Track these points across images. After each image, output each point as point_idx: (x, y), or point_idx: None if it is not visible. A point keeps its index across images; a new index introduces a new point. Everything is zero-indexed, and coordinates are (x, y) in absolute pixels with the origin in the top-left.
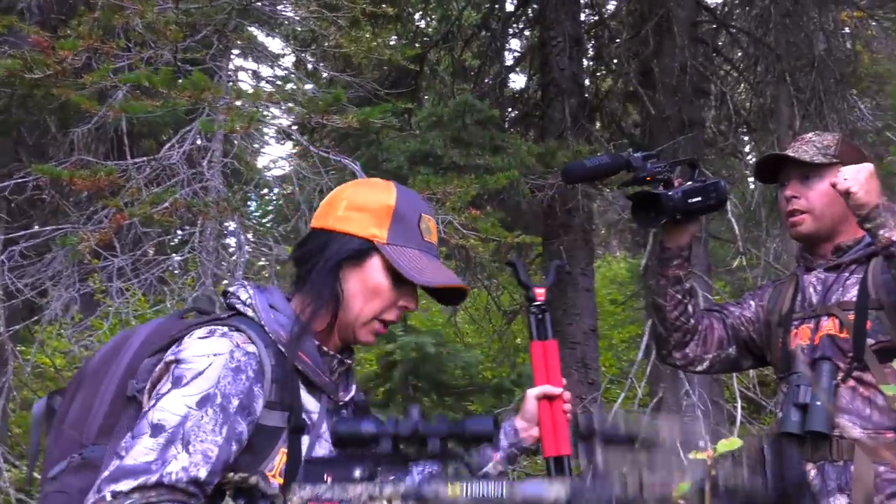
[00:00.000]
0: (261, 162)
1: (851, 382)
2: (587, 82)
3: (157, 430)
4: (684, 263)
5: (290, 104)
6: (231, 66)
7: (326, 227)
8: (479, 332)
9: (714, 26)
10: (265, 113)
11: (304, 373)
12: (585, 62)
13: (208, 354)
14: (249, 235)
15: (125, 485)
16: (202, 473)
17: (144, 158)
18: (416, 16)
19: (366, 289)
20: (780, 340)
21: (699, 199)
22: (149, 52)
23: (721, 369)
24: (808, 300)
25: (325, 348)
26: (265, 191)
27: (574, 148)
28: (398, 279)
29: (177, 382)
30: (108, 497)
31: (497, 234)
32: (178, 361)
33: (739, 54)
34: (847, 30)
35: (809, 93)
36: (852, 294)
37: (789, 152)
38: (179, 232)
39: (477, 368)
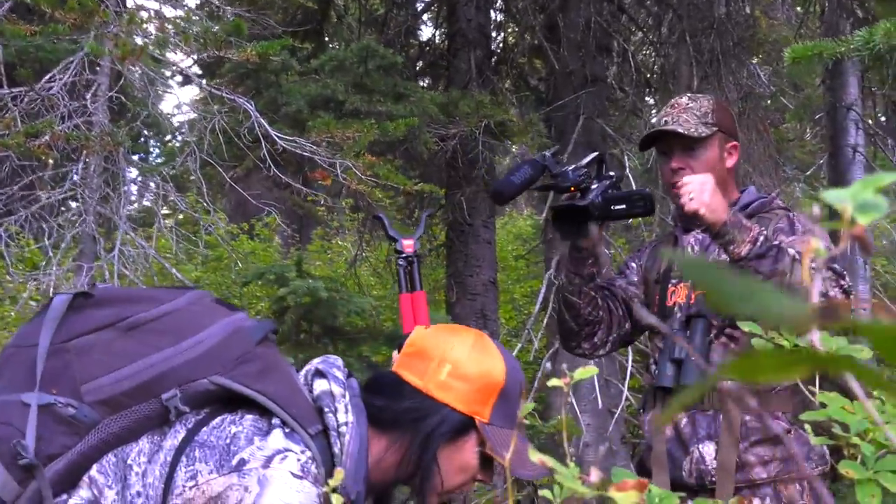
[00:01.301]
0: (165, 107)
1: (724, 339)
2: (494, 35)
3: None
4: (598, 260)
5: (185, 34)
6: (131, 4)
7: (425, 391)
8: (383, 283)
9: None
10: (157, 50)
11: None
12: (493, 14)
13: None
14: (151, 183)
15: None
16: None
17: (22, 89)
18: None
19: (452, 466)
20: (658, 297)
21: (623, 206)
22: None
23: (619, 347)
24: None
25: None
26: (168, 137)
27: (477, 98)
28: (487, 458)
29: None
30: None
31: (397, 181)
32: (261, 493)
33: (644, 14)
34: None
35: (708, 55)
36: None
37: (668, 122)
38: (75, 176)
39: (374, 315)
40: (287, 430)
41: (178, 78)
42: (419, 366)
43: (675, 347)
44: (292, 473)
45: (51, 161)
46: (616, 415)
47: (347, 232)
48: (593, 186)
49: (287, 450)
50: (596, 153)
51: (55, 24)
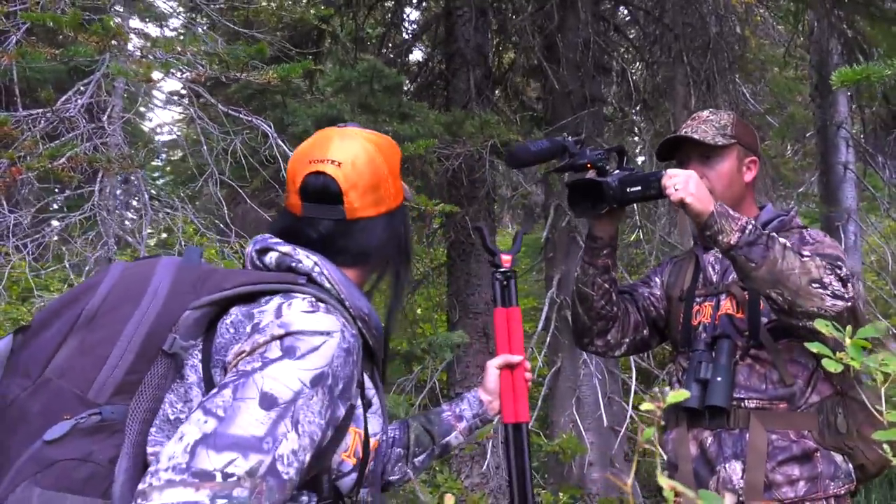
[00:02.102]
0: (147, 127)
1: (749, 360)
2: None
3: (267, 401)
4: (613, 252)
5: (203, 58)
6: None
7: (389, 209)
8: (381, 302)
9: (614, 4)
10: (173, 70)
11: (373, 349)
12: (489, 35)
13: (321, 332)
14: (152, 199)
15: (236, 464)
16: (306, 460)
17: (40, 110)
18: None
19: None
20: (682, 316)
21: (638, 188)
22: None
23: (634, 351)
24: (708, 278)
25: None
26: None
27: (483, 118)
28: None
29: (289, 353)
30: (219, 478)
31: (417, 202)
32: (288, 335)
33: (635, 33)
34: (734, 16)
35: (704, 73)
36: None
37: (688, 132)
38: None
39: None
40: (281, 293)
41: (162, 97)
42: (374, 199)
43: (701, 367)
44: (304, 311)
45: (31, 183)
46: (620, 433)
47: None
48: (614, 172)
49: (288, 299)
50: (618, 145)
51: (76, 47)
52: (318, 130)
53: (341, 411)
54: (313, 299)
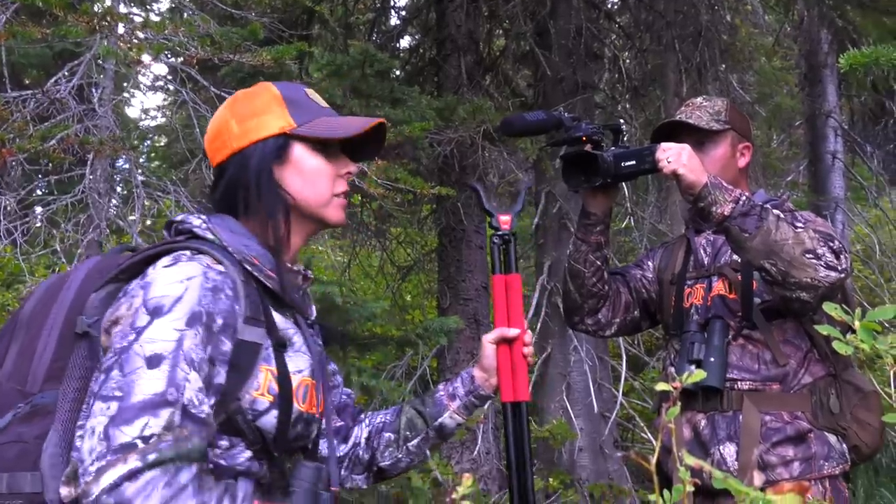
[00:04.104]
0: (132, 113)
1: (741, 340)
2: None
3: (154, 361)
4: (606, 230)
5: (195, 40)
6: (97, 8)
7: (234, 151)
8: (372, 289)
9: None
10: (164, 52)
11: (273, 290)
12: (480, 21)
13: (181, 280)
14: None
15: (150, 425)
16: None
17: (29, 92)
18: None
19: (306, 177)
20: (673, 299)
21: (633, 162)
22: None
23: (625, 332)
24: (700, 261)
25: (289, 264)
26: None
27: (476, 103)
28: (327, 152)
29: (156, 313)
30: (140, 444)
31: (412, 185)
32: (150, 296)
33: (626, 20)
34: (725, 4)
35: (695, 62)
36: None
37: (682, 117)
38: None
39: (384, 320)
40: (165, 254)
41: (148, 81)
42: (219, 144)
43: (694, 348)
44: (165, 266)
45: (20, 165)
46: (610, 419)
47: (327, 237)
48: (611, 149)
49: (156, 260)
50: (615, 123)
51: (66, 27)
52: None
53: (227, 346)
54: (179, 255)
